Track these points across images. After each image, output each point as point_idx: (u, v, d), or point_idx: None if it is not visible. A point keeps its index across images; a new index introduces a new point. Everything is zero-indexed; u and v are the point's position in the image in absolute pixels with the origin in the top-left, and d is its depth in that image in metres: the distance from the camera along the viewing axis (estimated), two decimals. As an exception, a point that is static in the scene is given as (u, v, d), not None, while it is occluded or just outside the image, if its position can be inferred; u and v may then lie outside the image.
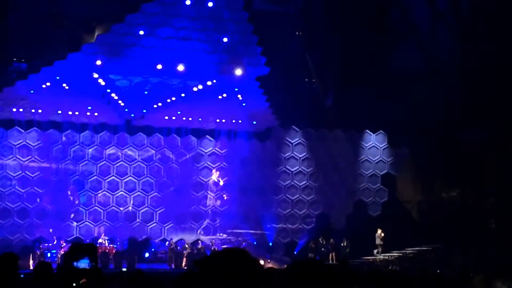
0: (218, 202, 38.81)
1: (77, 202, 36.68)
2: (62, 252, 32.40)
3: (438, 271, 19.52)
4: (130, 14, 31.05)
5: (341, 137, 40.53)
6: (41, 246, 33.81)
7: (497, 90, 35.41)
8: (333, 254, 36.53)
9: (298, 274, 3.48)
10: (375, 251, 37.14)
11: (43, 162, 36.62)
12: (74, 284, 5.20)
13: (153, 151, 38.40)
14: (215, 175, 38.97)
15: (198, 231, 38.18)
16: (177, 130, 38.88)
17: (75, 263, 4.18)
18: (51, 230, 35.31)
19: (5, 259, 7.99)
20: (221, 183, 38.84)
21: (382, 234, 37.27)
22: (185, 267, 34.06)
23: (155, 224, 37.79)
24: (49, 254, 33.03)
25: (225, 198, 38.82)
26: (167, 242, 36.25)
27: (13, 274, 7.81)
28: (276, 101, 37.50)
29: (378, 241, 37.25)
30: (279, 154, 39.92)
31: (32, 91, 34.99)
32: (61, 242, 34.25)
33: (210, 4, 31.44)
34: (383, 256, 36.93)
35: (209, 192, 38.82)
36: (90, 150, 37.48)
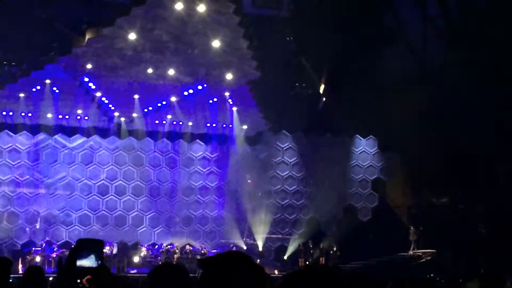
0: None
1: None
2: (54, 256, 32.29)
3: (430, 275, 19.55)
4: (121, 18, 30.94)
5: (331, 142, 40.50)
6: (32, 251, 33.55)
7: (487, 93, 35.50)
8: (323, 259, 36.50)
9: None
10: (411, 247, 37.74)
11: (33, 166, 36.46)
12: (78, 281, 5.12)
13: (143, 155, 38.32)
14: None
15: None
16: (168, 134, 38.81)
17: (79, 260, 4.04)
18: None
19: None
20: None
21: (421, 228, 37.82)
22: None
23: (145, 228, 37.70)
24: (38, 259, 32.77)
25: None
26: (157, 246, 36.15)
27: (4, 279, 7.75)
28: (266, 105, 37.50)
29: (412, 237, 37.63)
30: (270, 159, 39.90)
31: (22, 95, 34.90)
32: (54, 246, 34.12)
33: (201, 7, 31.35)
34: (415, 252, 37.16)
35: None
36: (80, 153, 37.34)
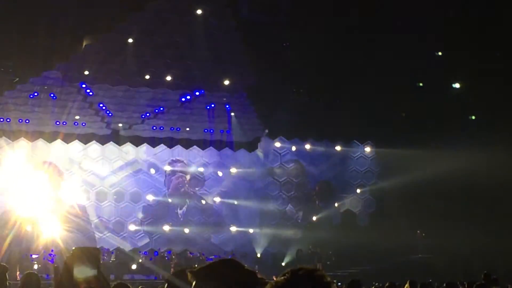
0: None
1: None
2: (51, 262, 32.23)
3: (429, 280, 19.54)
4: (118, 24, 31.02)
5: (329, 147, 40.51)
6: (30, 257, 33.43)
7: (481, 99, 35.63)
8: (320, 264, 36.43)
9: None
10: None
11: (32, 173, 36.35)
12: None
13: (141, 161, 38.25)
14: None
15: None
16: (165, 140, 38.75)
17: (76, 270, 3.97)
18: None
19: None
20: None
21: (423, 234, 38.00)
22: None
23: (142, 234, 37.63)
24: (35, 266, 32.65)
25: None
26: (155, 253, 36.08)
27: (1, 284, 7.78)
28: (264, 111, 37.49)
29: (419, 240, 37.93)
30: (267, 164, 39.86)
31: (19, 101, 34.89)
32: (52, 252, 34.00)
33: (198, 12, 31.43)
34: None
35: None
36: (78, 160, 37.26)
